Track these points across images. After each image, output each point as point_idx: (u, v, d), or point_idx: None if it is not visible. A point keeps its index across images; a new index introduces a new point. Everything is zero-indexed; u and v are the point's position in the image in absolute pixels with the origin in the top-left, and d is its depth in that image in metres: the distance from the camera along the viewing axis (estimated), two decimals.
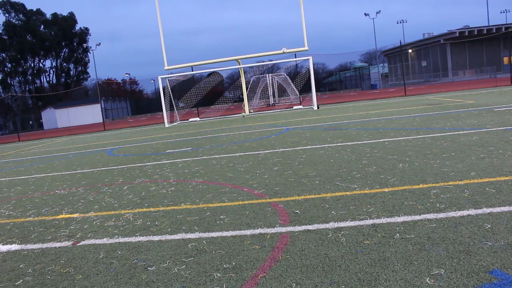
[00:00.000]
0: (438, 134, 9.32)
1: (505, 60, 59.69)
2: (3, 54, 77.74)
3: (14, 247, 4.81)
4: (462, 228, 3.78)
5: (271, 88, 43.78)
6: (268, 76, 43.15)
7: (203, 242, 4.19)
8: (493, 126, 9.69)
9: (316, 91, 28.51)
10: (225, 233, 4.38)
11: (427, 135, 9.42)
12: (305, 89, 36.93)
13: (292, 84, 41.03)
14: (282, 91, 45.16)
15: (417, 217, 4.19)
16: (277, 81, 43.95)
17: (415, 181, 5.61)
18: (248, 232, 4.33)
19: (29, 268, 4.07)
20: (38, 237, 5.08)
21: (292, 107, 30.96)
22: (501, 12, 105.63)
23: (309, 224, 4.34)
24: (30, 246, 4.77)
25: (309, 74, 28.65)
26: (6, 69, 78.91)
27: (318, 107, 27.44)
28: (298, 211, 4.84)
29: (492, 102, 16.61)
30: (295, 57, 35.88)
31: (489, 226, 3.76)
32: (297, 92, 39.74)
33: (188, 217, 5.16)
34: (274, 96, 44.93)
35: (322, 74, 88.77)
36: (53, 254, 4.42)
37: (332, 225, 4.24)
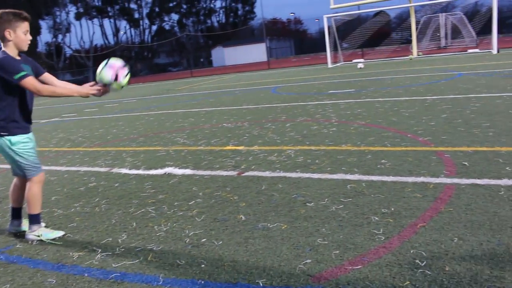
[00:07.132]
0: None
1: None
2: None
3: (188, 171, 5.33)
4: None
5: (443, 29, 40.42)
6: (442, 15, 39.75)
7: (362, 185, 4.17)
8: None
9: (498, 32, 25.33)
10: (385, 178, 4.29)
11: None
12: (484, 31, 33.21)
13: (468, 25, 37.27)
14: (456, 33, 41.33)
15: None
16: (451, 22, 40.30)
17: None
18: (409, 179, 4.18)
19: (200, 191, 4.50)
20: (207, 165, 5.56)
21: (467, 50, 28.33)
22: None
23: (478, 178, 4.02)
24: (201, 172, 5.24)
25: (491, 13, 25.66)
26: (182, 10, 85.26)
27: (498, 51, 24.65)
28: (466, 163, 4.52)
29: None
30: None
31: None
32: (474, 34, 36.05)
33: (348, 158, 5.16)
34: (446, 38, 41.47)
35: (506, 13, 78.86)
36: (220, 181, 4.80)
37: (505, 182, 3.87)
